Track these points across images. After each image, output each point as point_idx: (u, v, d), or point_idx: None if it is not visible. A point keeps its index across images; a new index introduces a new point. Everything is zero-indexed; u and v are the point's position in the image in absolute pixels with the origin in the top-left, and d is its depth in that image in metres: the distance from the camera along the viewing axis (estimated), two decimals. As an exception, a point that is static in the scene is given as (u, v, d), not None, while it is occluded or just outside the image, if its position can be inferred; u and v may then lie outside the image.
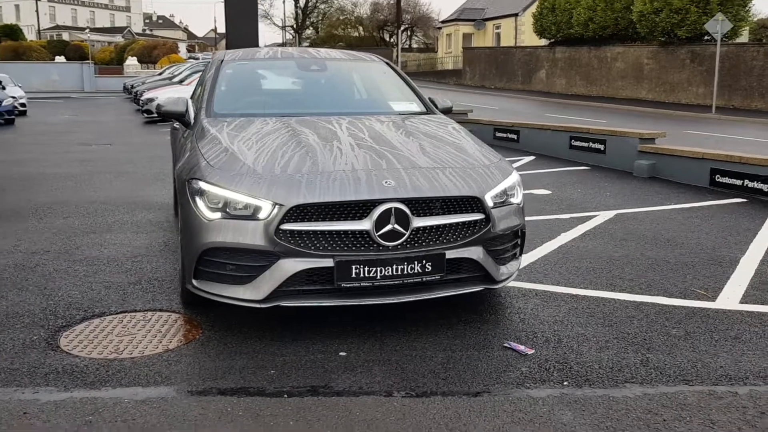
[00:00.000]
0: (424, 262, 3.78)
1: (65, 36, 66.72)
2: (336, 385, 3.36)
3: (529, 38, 43.89)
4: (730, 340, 3.96)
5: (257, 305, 3.76)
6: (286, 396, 3.24)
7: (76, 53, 53.83)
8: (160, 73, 30.62)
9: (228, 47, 27.23)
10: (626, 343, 3.91)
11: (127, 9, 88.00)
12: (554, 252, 5.78)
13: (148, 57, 47.24)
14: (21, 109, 24.08)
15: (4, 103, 20.43)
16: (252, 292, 3.74)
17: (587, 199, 8.20)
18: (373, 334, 3.96)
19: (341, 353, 3.72)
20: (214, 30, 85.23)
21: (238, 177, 3.84)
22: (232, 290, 3.80)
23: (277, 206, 3.65)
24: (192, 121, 4.96)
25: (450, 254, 3.86)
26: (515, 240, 4.29)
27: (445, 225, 3.87)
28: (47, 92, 35.11)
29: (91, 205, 7.69)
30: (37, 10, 61.80)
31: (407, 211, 3.72)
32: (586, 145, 11.10)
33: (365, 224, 3.68)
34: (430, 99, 5.62)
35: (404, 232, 3.72)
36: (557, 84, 35.65)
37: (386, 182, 3.79)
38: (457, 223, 3.90)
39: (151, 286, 4.80)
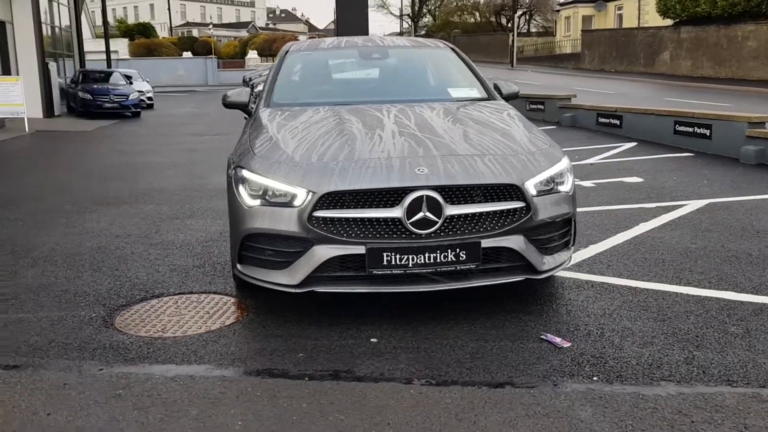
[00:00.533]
0: (458, 250, 3.73)
1: (194, 32, 70.34)
2: (359, 370, 3.39)
3: (653, 19, 41.72)
4: (795, 340, 3.65)
5: (293, 290, 3.84)
6: (307, 379, 3.31)
7: (203, 48, 56.60)
8: (276, 65, 31.62)
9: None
10: (674, 339, 3.68)
11: (252, 4, 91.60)
12: (626, 243, 5.51)
13: (269, 50, 48.85)
14: (148, 102, 25.68)
15: (130, 97, 21.86)
16: (288, 278, 3.83)
17: (680, 187, 7.74)
18: (409, 321, 3.96)
19: (372, 339, 3.74)
20: (334, 22, 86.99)
21: (277, 165, 3.94)
22: (271, 275, 3.91)
23: (310, 194, 3.71)
24: (253, 111, 5.13)
25: (486, 243, 3.78)
26: (564, 229, 4.14)
27: (481, 213, 3.78)
28: (174, 86, 37.20)
29: (183, 192, 8.11)
30: (168, 9, 65.39)
31: (439, 198, 3.67)
32: (690, 130, 10.46)
33: (397, 212, 3.67)
34: (495, 85, 5.49)
35: (437, 220, 3.68)
36: (682, 66, 33.71)
37: (419, 170, 3.76)
38: (495, 212, 3.81)
39: (213, 269, 5.01)
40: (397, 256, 3.68)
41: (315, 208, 3.70)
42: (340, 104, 4.89)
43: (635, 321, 3.93)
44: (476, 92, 5.30)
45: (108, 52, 29.18)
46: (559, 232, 4.11)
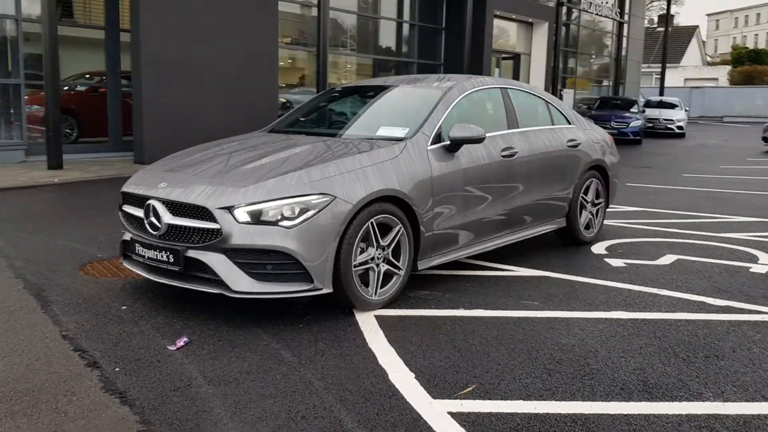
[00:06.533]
0: (167, 253, 4.46)
1: None
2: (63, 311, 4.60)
3: None
4: None
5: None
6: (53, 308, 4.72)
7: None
8: None
9: None
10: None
11: None
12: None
13: None
14: (677, 131, 25.98)
15: (631, 125, 22.73)
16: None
17: None
18: (173, 302, 4.81)
19: (123, 307, 4.77)
20: None
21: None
22: (125, 250, 5.33)
23: (123, 192, 5.06)
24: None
25: (191, 253, 4.37)
26: (281, 261, 4.25)
27: (187, 227, 4.38)
28: (745, 116, 34.72)
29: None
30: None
31: (159, 208, 4.47)
32: None
33: (141, 213, 4.67)
34: (455, 128, 5.17)
35: (159, 225, 4.50)
36: None
37: (161, 184, 4.63)
38: (194, 228, 4.34)
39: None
40: (140, 248, 4.68)
41: (122, 202, 5.00)
42: (288, 132, 5.83)
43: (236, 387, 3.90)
44: (401, 132, 5.22)
45: (662, 79, 29.77)
46: (273, 263, 4.25)
